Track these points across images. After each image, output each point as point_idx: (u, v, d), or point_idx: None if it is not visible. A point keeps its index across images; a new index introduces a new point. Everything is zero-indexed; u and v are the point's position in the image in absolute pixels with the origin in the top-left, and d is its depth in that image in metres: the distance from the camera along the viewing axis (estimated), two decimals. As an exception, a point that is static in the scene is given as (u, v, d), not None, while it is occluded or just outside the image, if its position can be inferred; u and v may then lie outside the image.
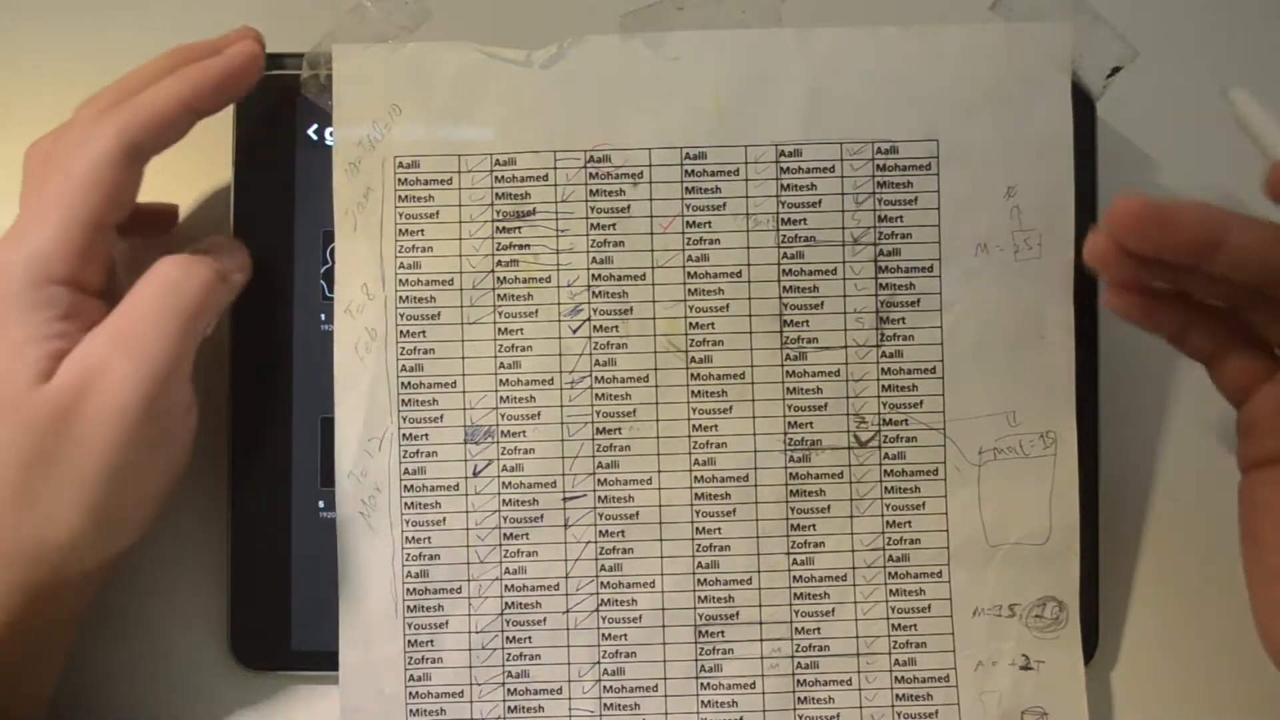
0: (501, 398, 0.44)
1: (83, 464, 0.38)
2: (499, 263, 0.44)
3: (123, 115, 0.40)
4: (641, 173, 0.44)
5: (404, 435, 0.44)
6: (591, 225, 0.44)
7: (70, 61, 0.49)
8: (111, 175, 0.39)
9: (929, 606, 0.44)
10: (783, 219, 0.44)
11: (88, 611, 0.43)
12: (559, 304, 0.44)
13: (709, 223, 0.44)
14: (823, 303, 0.44)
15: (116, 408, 0.37)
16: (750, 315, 0.44)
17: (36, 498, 0.38)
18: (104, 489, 0.38)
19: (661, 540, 0.44)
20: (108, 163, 0.39)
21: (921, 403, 0.44)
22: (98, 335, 0.38)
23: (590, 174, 0.44)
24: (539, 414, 0.44)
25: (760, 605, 0.44)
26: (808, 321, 0.44)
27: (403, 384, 0.44)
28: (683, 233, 0.44)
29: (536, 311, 0.44)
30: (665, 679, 0.44)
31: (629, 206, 0.44)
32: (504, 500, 0.44)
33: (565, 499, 0.44)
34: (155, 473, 0.40)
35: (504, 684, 0.44)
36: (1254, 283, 0.35)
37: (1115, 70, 0.43)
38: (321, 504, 0.45)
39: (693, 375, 0.44)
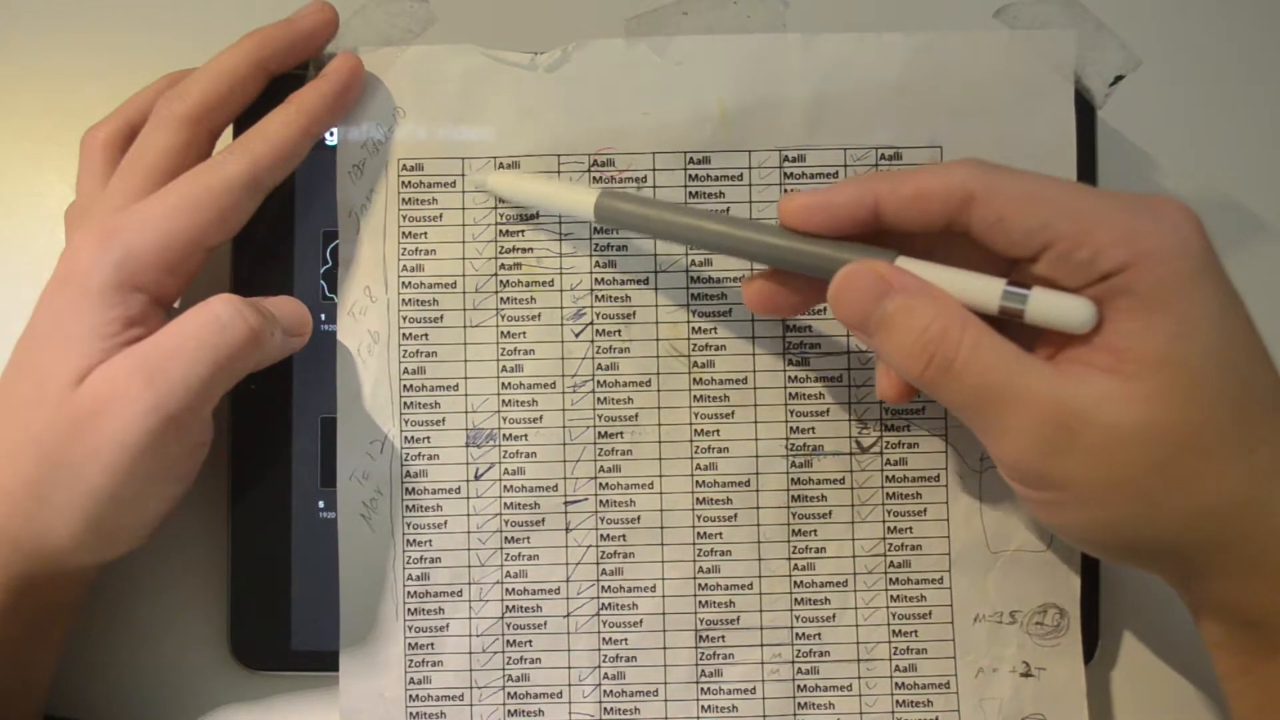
0: (504, 401, 0.44)
1: (86, 477, 0.38)
2: (502, 266, 0.44)
3: (254, 147, 0.41)
4: (645, 176, 0.44)
5: (406, 438, 0.44)
6: (595, 229, 0.44)
7: (70, 62, 0.49)
8: (231, 202, 0.40)
9: (930, 613, 0.44)
10: (786, 224, 0.44)
11: (84, 600, 0.43)
12: (562, 308, 0.44)
13: None
14: (825, 308, 0.44)
15: (121, 438, 0.37)
16: (753, 320, 0.44)
17: (46, 495, 0.38)
18: (102, 506, 0.38)
19: (662, 545, 0.44)
20: (232, 190, 0.40)
21: (923, 409, 0.44)
22: (132, 354, 0.38)
23: (594, 177, 0.44)
24: (541, 418, 0.44)
25: (761, 610, 0.44)
26: (810, 326, 0.44)
27: (405, 387, 0.44)
28: (686, 237, 0.44)
29: (539, 315, 0.44)
30: (665, 684, 0.44)
31: None
32: (505, 504, 0.44)
33: (567, 503, 0.44)
34: (155, 500, 0.41)
35: (504, 687, 0.44)
36: (927, 229, 0.37)
37: (1118, 78, 0.43)
38: (321, 504, 0.45)
39: (695, 380, 0.44)
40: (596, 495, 0.44)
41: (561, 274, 0.44)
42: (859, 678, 0.44)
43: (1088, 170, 0.44)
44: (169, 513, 0.42)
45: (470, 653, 0.44)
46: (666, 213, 0.40)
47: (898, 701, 0.44)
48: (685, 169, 0.44)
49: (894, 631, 0.44)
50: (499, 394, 0.44)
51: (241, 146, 0.41)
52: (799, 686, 0.44)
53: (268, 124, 0.42)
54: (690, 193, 0.44)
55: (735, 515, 0.44)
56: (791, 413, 0.44)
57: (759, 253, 0.39)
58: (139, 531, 0.41)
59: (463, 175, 0.44)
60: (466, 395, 0.44)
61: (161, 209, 0.39)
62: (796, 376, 0.44)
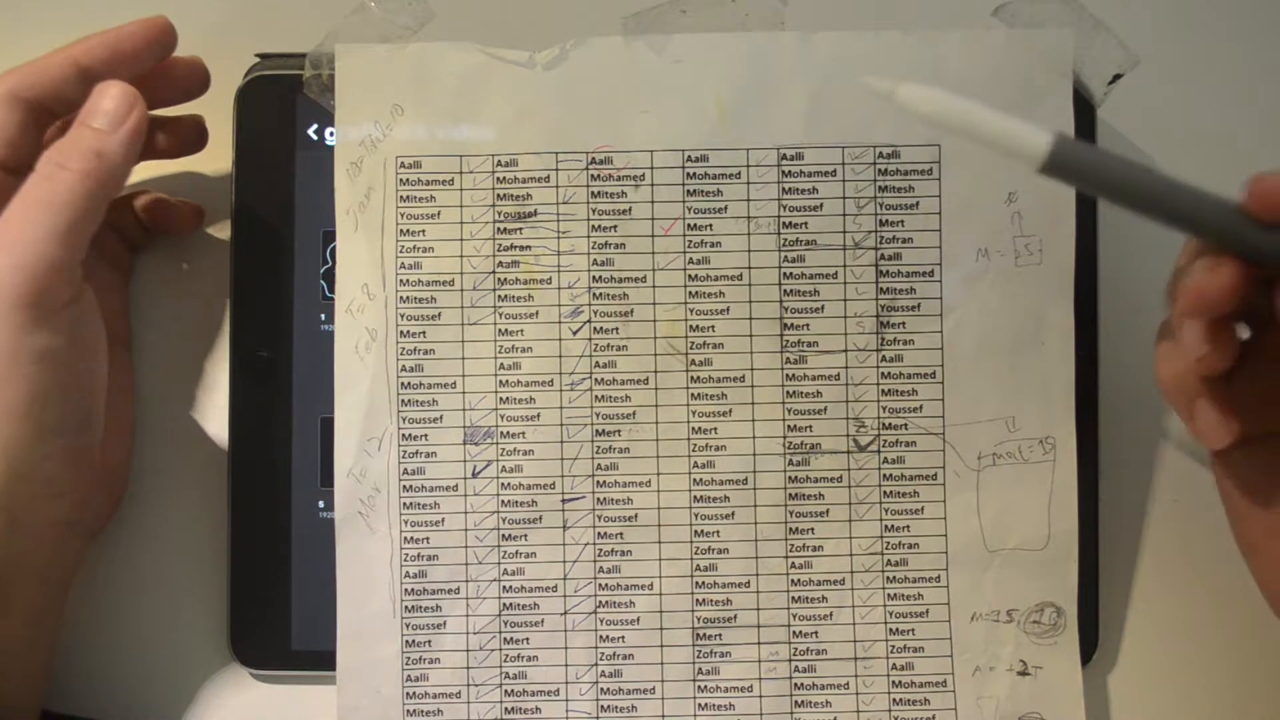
0: (501, 399, 0.44)
1: None
2: (500, 264, 0.44)
3: (15, 70, 0.42)
4: (643, 175, 0.44)
5: (403, 435, 0.44)
6: (593, 227, 0.44)
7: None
8: None
9: (927, 611, 0.44)
10: (784, 222, 0.44)
11: (62, 558, 0.43)
12: (559, 305, 0.44)
13: (710, 225, 0.44)
14: (823, 306, 0.44)
15: None
16: (750, 318, 0.44)
17: None
18: None
19: (660, 543, 0.44)
20: None
21: (921, 407, 0.44)
22: None
23: (592, 175, 0.44)
24: (539, 415, 0.44)
25: (758, 609, 0.44)
26: (808, 325, 0.44)
27: (403, 384, 0.44)
28: (684, 235, 0.44)
29: (537, 313, 0.44)
30: (662, 681, 0.44)
31: (630, 208, 0.44)
32: (503, 501, 0.44)
33: (564, 500, 0.44)
34: (46, 366, 0.39)
35: (501, 685, 0.44)
36: None
37: (1116, 77, 0.43)
38: (321, 504, 0.45)
39: (693, 378, 0.44)
40: (594, 493, 0.44)
41: (559, 271, 0.44)
42: (856, 676, 0.44)
43: (1088, 170, 0.44)
44: (83, 397, 0.41)
45: (467, 650, 0.44)
46: (1134, 176, 0.34)
47: (894, 700, 0.44)
48: (683, 166, 0.44)
49: (891, 630, 0.44)
50: (496, 392, 0.44)
51: (6, 70, 0.42)
52: (796, 685, 0.44)
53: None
54: (688, 190, 0.44)
55: (733, 513, 0.44)
56: (789, 411, 0.44)
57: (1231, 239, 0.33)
58: (52, 413, 0.40)
59: (460, 173, 0.44)
60: (464, 393, 0.44)
61: None
62: (794, 375, 0.44)
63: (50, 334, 0.39)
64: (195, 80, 0.45)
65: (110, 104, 0.41)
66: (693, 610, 0.44)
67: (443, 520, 0.44)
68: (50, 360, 0.40)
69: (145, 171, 0.47)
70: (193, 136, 0.46)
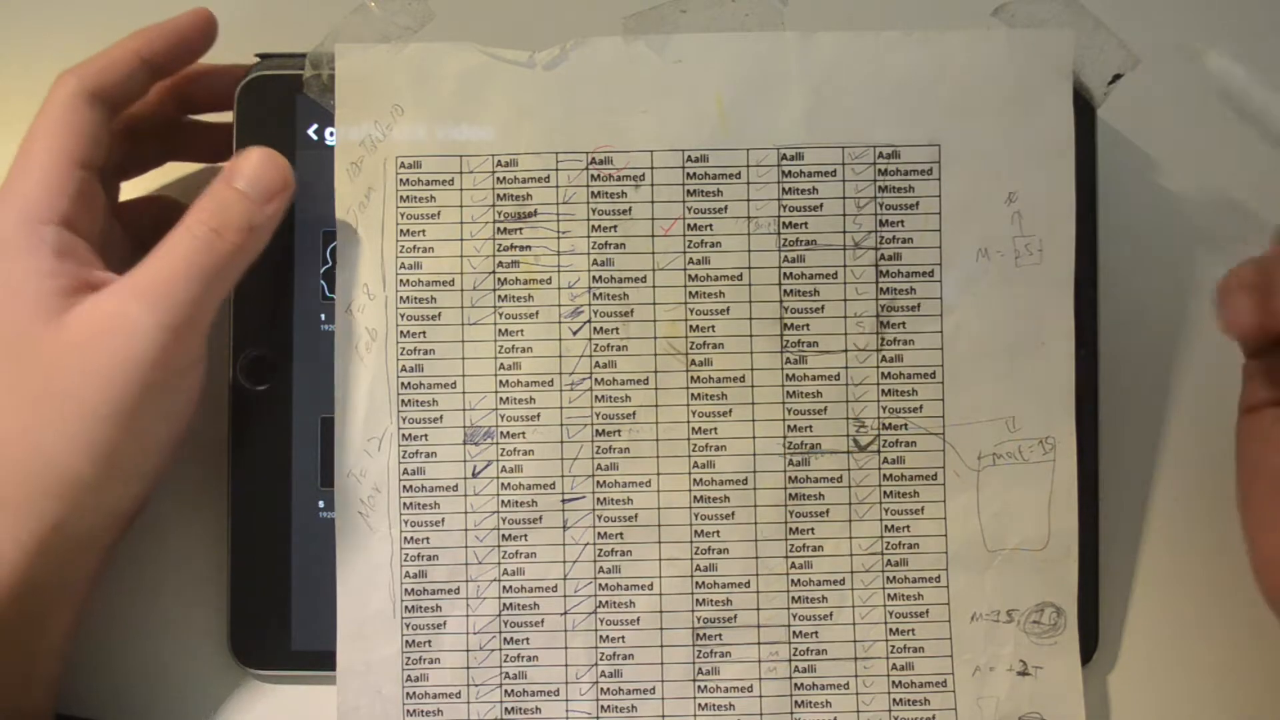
0: (501, 399, 0.44)
1: (90, 401, 0.38)
2: (500, 264, 0.44)
3: (81, 65, 0.42)
4: (643, 175, 0.44)
5: (403, 435, 0.44)
6: (593, 227, 0.44)
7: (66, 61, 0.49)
8: (75, 115, 0.41)
9: (927, 611, 0.44)
10: (784, 222, 0.44)
11: (97, 576, 0.43)
12: (559, 305, 0.44)
13: (710, 225, 0.44)
14: (823, 306, 0.44)
15: (131, 354, 0.38)
16: (751, 318, 0.44)
17: (41, 434, 0.38)
18: (108, 430, 0.38)
19: (660, 543, 0.44)
20: (69, 104, 0.41)
21: (921, 407, 0.44)
22: (124, 283, 0.39)
23: (592, 175, 0.44)
24: (539, 415, 0.44)
25: (758, 609, 0.44)
26: (808, 325, 0.44)
27: (403, 384, 0.44)
28: (684, 235, 0.44)
29: (537, 313, 0.44)
30: (662, 681, 0.44)
31: (630, 208, 0.44)
32: (503, 501, 0.44)
33: (564, 500, 0.44)
34: (160, 422, 0.41)
35: (501, 685, 0.44)
36: None
37: (1117, 77, 0.43)
38: (321, 504, 0.45)
39: (693, 378, 0.44)
40: (594, 493, 0.44)
41: (559, 272, 0.44)
42: (856, 676, 0.44)
43: (1088, 172, 0.44)
44: (170, 449, 0.42)
45: (467, 650, 0.44)
46: None
47: (894, 700, 0.44)
48: (683, 167, 0.44)
49: (891, 630, 0.44)
50: (496, 392, 0.44)
51: (72, 68, 0.42)
52: (796, 685, 0.44)
53: (104, 49, 0.43)
54: (688, 190, 0.44)
55: (733, 514, 0.44)
56: (789, 411, 0.44)
57: None
58: (144, 464, 0.41)
59: (460, 173, 0.44)
60: (464, 393, 0.44)
61: (27, 151, 0.41)
62: (794, 375, 0.44)
63: (173, 393, 0.41)
64: (228, 90, 0.46)
65: (261, 172, 0.42)
66: (693, 610, 0.44)
67: (443, 520, 0.44)
68: (166, 418, 0.41)
69: (156, 175, 0.47)
70: (223, 144, 0.46)
